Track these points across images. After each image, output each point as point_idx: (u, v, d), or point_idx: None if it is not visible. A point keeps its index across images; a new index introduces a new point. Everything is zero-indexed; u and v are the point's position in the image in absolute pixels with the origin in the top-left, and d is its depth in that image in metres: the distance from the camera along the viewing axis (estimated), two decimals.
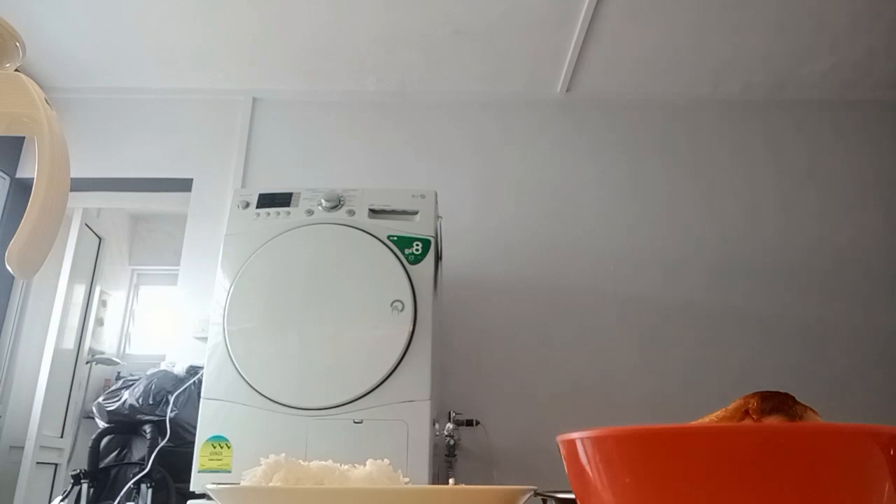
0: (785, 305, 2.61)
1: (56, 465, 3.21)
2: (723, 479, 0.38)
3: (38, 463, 2.93)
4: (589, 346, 2.54)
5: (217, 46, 2.67)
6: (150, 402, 2.25)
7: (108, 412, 2.32)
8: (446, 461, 2.21)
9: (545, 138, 2.86)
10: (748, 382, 2.38)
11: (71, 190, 0.64)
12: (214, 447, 1.68)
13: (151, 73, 2.83)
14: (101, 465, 2.33)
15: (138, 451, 2.32)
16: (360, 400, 1.68)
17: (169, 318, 3.17)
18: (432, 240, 1.85)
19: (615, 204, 2.75)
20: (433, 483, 1.72)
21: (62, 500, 2.27)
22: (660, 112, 2.88)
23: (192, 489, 1.66)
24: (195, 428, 1.72)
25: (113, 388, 2.43)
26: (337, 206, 1.88)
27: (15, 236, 0.56)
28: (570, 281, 2.63)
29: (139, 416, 2.25)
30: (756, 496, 0.37)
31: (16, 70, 0.64)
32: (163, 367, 2.41)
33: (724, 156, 2.82)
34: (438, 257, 1.96)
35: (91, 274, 3.46)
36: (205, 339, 1.88)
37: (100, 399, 2.40)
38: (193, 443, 1.70)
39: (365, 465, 0.70)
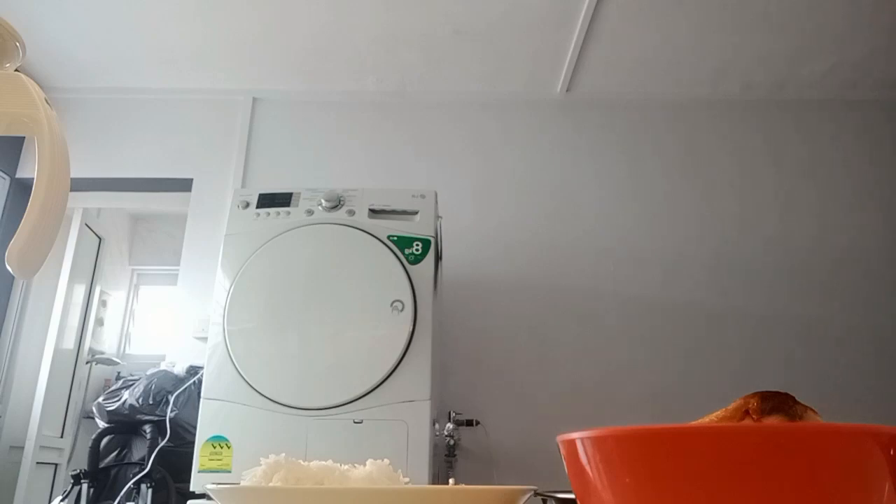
0: (785, 305, 2.61)
1: (56, 465, 3.21)
2: (723, 479, 0.38)
3: (38, 463, 2.93)
4: (589, 346, 2.54)
5: (217, 46, 2.67)
6: (150, 402, 2.25)
7: (108, 412, 2.32)
8: (446, 461, 2.21)
9: (545, 138, 2.86)
10: (748, 382, 2.38)
11: (71, 190, 0.64)
12: (214, 447, 1.68)
13: (151, 73, 2.83)
14: (101, 465, 2.33)
15: (138, 451, 2.32)
16: (360, 400, 1.68)
17: (169, 318, 3.17)
18: (432, 240, 1.85)
19: (615, 204, 2.75)
20: (433, 483, 1.72)
21: (62, 500, 2.27)
22: (660, 112, 2.88)
23: (192, 489, 1.66)
24: (195, 428, 1.72)
25: (113, 388, 2.43)
26: (337, 206, 1.88)
27: (15, 236, 0.56)
28: (570, 281, 2.63)
29: (139, 416, 2.25)
30: (756, 496, 0.37)
31: (16, 70, 0.64)
32: (163, 367, 2.41)
33: (724, 156, 2.83)
34: (438, 257, 1.96)
35: (91, 274, 3.46)
36: (205, 339, 1.88)
37: (100, 399, 2.40)
38: (193, 443, 1.71)
39: (365, 465, 0.70)
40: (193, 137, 2.86)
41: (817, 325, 2.59)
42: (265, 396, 1.70)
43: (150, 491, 2.13)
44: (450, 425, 2.25)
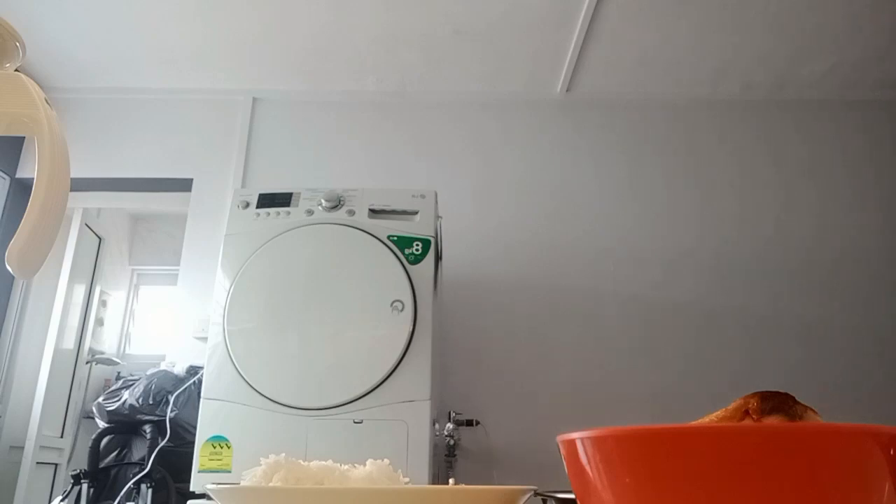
0: (785, 305, 2.61)
1: (56, 465, 3.21)
2: (723, 479, 0.38)
3: (38, 463, 2.93)
4: (589, 346, 2.54)
5: (217, 46, 2.67)
6: (150, 402, 2.25)
7: (108, 412, 2.32)
8: (446, 461, 2.21)
9: (545, 138, 2.86)
10: (748, 382, 2.38)
11: (71, 190, 0.64)
12: (214, 447, 1.68)
13: (151, 73, 2.83)
14: (101, 465, 2.33)
15: (138, 451, 2.32)
16: (360, 400, 1.68)
17: (169, 318, 3.17)
18: (432, 240, 1.85)
19: (615, 204, 2.75)
20: (433, 483, 1.72)
21: (62, 500, 2.27)
22: (660, 112, 2.88)
23: (192, 489, 1.66)
24: (195, 428, 1.72)
25: (113, 388, 2.43)
26: (337, 206, 1.88)
27: (15, 236, 0.56)
28: (570, 281, 2.63)
29: (139, 416, 2.25)
30: (756, 496, 0.37)
31: (16, 70, 0.64)
32: (163, 367, 2.41)
33: (724, 156, 2.83)
34: (438, 257, 1.96)
35: (91, 274, 3.46)
36: (205, 339, 1.88)
37: (100, 399, 2.40)
38: (193, 443, 1.70)
39: (365, 465, 0.70)
40: (193, 137, 2.86)
41: (817, 325, 2.59)
42: (265, 396, 1.70)
43: (150, 491, 2.13)
44: (450, 425, 2.25)
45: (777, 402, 0.44)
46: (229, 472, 1.65)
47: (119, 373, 3.83)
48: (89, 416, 3.11)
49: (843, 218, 2.73)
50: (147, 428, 2.23)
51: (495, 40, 2.59)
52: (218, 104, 2.91)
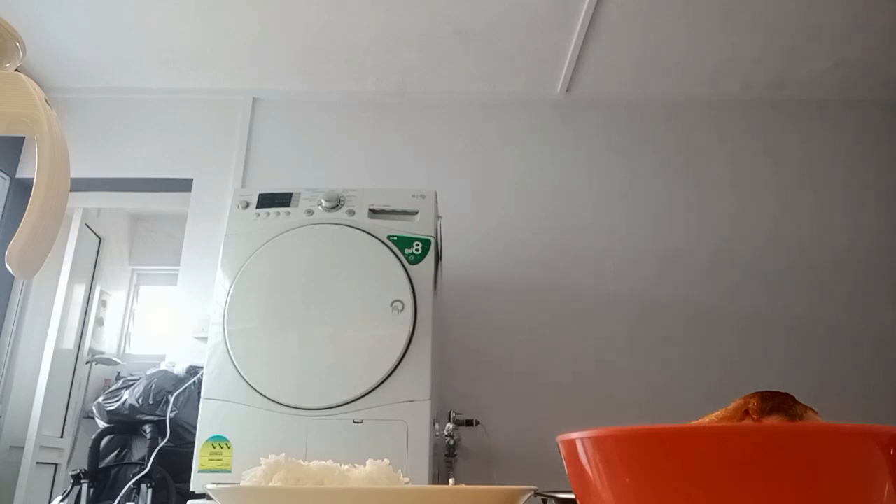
0: (785, 305, 2.61)
1: (56, 465, 3.21)
2: (723, 479, 0.38)
3: (38, 463, 2.93)
4: (589, 346, 2.54)
5: (217, 46, 2.67)
6: (150, 402, 2.25)
7: (108, 412, 2.32)
8: (446, 461, 2.21)
9: (545, 138, 2.86)
10: (748, 382, 2.38)
11: (71, 190, 0.64)
12: (214, 447, 1.68)
13: (151, 73, 2.83)
14: (101, 465, 2.33)
15: (138, 451, 2.32)
16: (360, 400, 1.68)
17: (169, 318, 3.17)
18: (432, 240, 1.85)
19: (615, 204, 2.75)
20: (433, 483, 1.72)
21: (62, 500, 2.27)
22: (659, 112, 2.88)
23: (192, 489, 1.66)
24: (195, 428, 1.72)
25: (113, 388, 2.43)
26: (337, 206, 1.88)
27: (15, 236, 0.56)
28: (570, 281, 2.63)
29: (139, 416, 2.25)
30: (756, 496, 0.37)
31: (16, 70, 0.64)
32: (163, 367, 2.41)
33: (724, 155, 2.83)
34: (438, 257, 1.96)
35: (91, 274, 3.46)
36: (205, 339, 1.88)
37: (100, 399, 2.40)
38: (193, 443, 1.70)
39: (365, 465, 0.70)
40: (193, 137, 2.86)
41: (817, 324, 2.59)
42: (265, 396, 1.70)
43: (150, 491, 2.13)
44: (450, 425, 2.25)
45: (777, 402, 0.44)
46: (229, 472, 1.65)
47: (119, 373, 3.83)
48: (89, 416, 3.11)
49: (842, 218, 2.73)
50: (147, 428, 2.23)
51: (495, 40, 2.59)
52: (218, 104, 2.91)
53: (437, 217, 1.94)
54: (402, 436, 1.66)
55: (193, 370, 2.34)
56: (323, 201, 1.88)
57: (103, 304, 4.00)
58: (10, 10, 2.35)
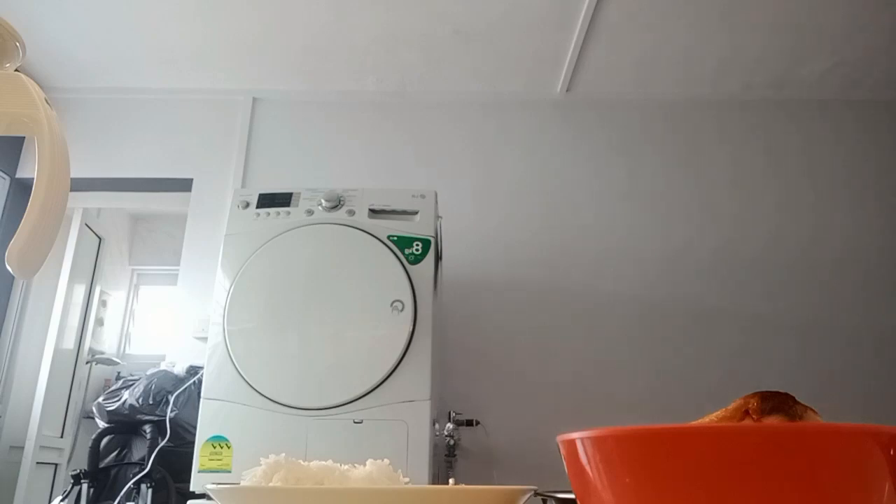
0: (785, 305, 2.61)
1: (56, 465, 3.21)
2: (723, 479, 0.38)
3: (38, 463, 2.93)
4: (589, 346, 2.54)
5: (217, 46, 2.67)
6: (150, 402, 2.25)
7: (108, 412, 2.32)
8: (446, 461, 2.21)
9: (545, 138, 2.86)
10: (748, 382, 2.38)
11: (71, 190, 0.64)
12: (214, 447, 1.68)
13: (151, 73, 2.83)
14: (101, 465, 2.33)
15: (138, 451, 2.32)
16: (360, 400, 1.68)
17: (169, 318, 3.17)
18: (432, 240, 1.85)
19: (615, 204, 2.75)
20: (433, 483, 1.72)
21: (62, 500, 2.27)
22: (659, 112, 2.88)
23: (192, 489, 1.66)
24: (195, 428, 1.72)
25: (113, 388, 2.43)
26: (337, 206, 1.88)
27: (15, 236, 0.56)
28: (570, 281, 2.63)
29: (139, 416, 2.25)
30: (756, 496, 0.37)
31: (16, 70, 0.64)
32: (163, 367, 2.41)
33: (724, 155, 2.83)
34: (438, 257, 1.96)
35: (91, 274, 3.46)
36: (205, 339, 1.88)
37: (100, 399, 2.40)
38: (193, 443, 1.70)
39: (365, 465, 0.70)
40: (193, 137, 2.86)
41: (817, 324, 2.59)
42: (265, 396, 1.70)
43: (150, 491, 2.13)
44: (450, 425, 2.25)
45: (777, 402, 0.44)
46: (229, 472, 1.65)
47: (119, 373, 3.83)
48: (89, 416, 3.11)
49: (842, 218, 2.73)
50: (147, 428, 2.23)
51: (495, 40, 2.59)
52: (218, 104, 2.91)
53: (437, 217, 1.94)
54: (402, 436, 1.66)
55: (193, 370, 2.34)
56: (323, 201, 1.88)
57: (103, 304, 4.00)
58: (10, 10, 2.35)
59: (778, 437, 0.38)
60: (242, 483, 0.64)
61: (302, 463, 0.69)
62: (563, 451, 0.47)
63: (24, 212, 0.57)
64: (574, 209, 2.74)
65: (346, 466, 0.70)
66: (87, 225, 3.30)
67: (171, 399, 2.23)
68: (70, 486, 2.27)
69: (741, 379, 2.48)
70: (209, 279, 2.09)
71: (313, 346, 1.73)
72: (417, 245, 1.83)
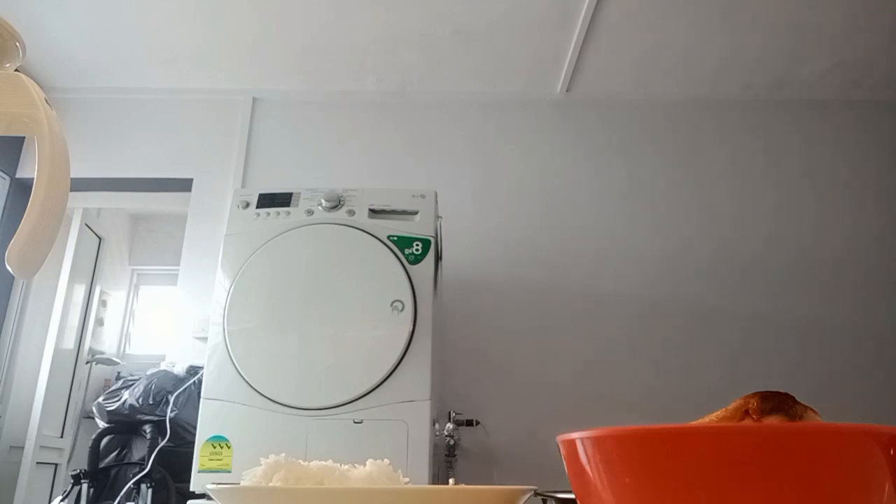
0: (785, 305, 2.61)
1: (56, 465, 3.21)
2: (723, 479, 0.38)
3: (38, 463, 2.93)
4: (589, 346, 2.54)
5: (217, 46, 2.67)
6: (150, 402, 2.25)
7: (108, 412, 2.32)
8: (446, 461, 2.21)
9: (545, 138, 2.86)
10: (748, 382, 2.38)
11: (71, 190, 0.64)
12: (214, 447, 1.68)
13: (151, 73, 2.83)
14: (101, 465, 2.33)
15: (138, 451, 2.32)
16: (360, 400, 1.68)
17: (169, 318, 3.17)
18: (432, 240, 1.85)
19: (615, 204, 2.75)
20: (433, 483, 1.72)
21: (62, 500, 2.27)
22: (659, 112, 2.88)
23: (192, 489, 1.66)
24: (195, 428, 1.72)
25: (113, 388, 2.43)
26: (337, 206, 1.88)
27: (15, 236, 0.56)
28: (570, 281, 2.63)
29: (139, 416, 2.25)
30: (756, 496, 0.37)
31: (16, 70, 0.64)
32: (163, 367, 2.41)
33: (724, 156, 2.83)
34: (438, 257, 1.96)
35: (91, 274, 3.46)
36: (205, 339, 1.88)
37: (100, 399, 2.40)
38: (193, 443, 1.70)
39: (365, 465, 0.70)
40: (193, 137, 2.86)
41: (817, 324, 2.59)
42: (265, 396, 1.70)
43: (150, 491, 2.13)
44: (450, 425, 2.25)
45: (777, 402, 0.44)
46: (229, 472, 1.65)
47: (119, 373, 3.83)
48: (89, 416, 3.11)
49: (842, 218, 2.73)
50: (147, 428, 2.23)
51: (495, 40, 2.59)
52: (218, 104, 2.91)
53: (437, 217, 1.94)
54: (402, 436, 1.66)
55: (193, 370, 2.34)
56: (323, 201, 1.88)
57: (103, 304, 4.00)
58: (10, 10, 2.35)
59: (778, 437, 0.38)
60: (242, 483, 0.64)
61: (302, 463, 0.69)
62: (563, 451, 0.47)
63: (24, 212, 0.57)
64: (574, 209, 2.74)
65: (346, 466, 0.70)
66: (87, 225, 3.30)
67: (171, 399, 2.23)
68: (70, 486, 2.27)
69: (741, 379, 2.48)
70: (209, 279, 2.09)
71: (313, 346, 1.73)
72: (417, 245, 1.83)
